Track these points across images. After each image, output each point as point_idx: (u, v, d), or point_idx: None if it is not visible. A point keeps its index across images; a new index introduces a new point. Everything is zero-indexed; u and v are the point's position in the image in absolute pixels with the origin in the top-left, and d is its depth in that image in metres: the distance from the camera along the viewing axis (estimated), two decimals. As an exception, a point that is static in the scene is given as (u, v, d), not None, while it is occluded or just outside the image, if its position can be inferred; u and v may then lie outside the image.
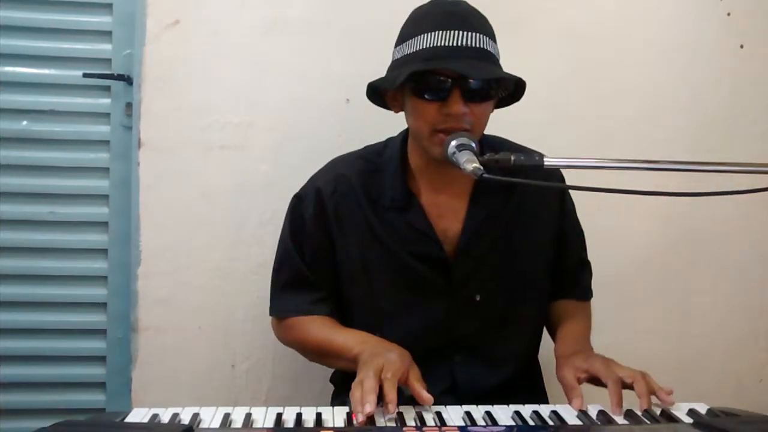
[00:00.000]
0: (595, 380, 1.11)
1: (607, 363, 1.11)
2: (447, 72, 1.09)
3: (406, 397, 1.03)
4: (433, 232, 1.21)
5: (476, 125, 1.13)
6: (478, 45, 1.10)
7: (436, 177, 1.22)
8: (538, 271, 1.29)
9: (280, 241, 1.31)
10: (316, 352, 1.26)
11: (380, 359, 1.04)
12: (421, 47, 1.10)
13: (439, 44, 1.09)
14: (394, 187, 1.23)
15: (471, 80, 1.09)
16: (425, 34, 1.10)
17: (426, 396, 1.01)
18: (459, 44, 1.09)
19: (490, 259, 1.24)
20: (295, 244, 1.27)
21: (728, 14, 1.70)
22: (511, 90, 1.19)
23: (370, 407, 0.94)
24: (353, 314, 1.27)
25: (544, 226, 1.29)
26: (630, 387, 1.05)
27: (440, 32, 1.09)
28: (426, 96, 1.11)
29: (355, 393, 0.99)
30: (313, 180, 1.29)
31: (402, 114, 1.21)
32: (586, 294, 1.38)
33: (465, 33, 1.09)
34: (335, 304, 1.28)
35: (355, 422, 0.95)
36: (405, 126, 1.25)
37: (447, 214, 1.23)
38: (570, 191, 1.34)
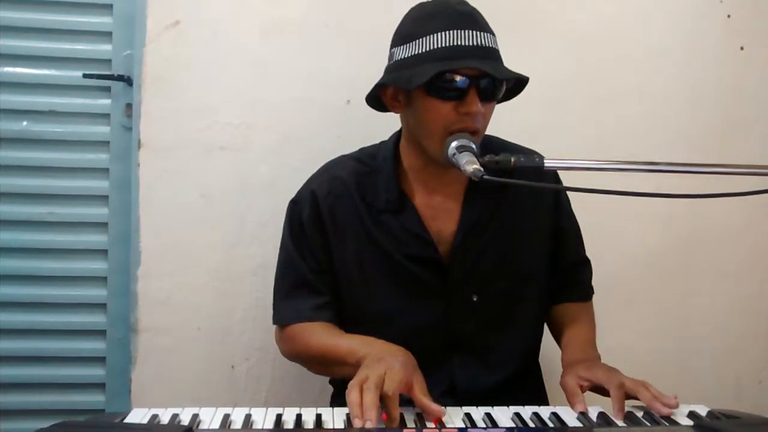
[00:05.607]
0: (599, 389, 1.10)
1: (610, 371, 1.11)
2: (466, 71, 1.08)
3: (405, 399, 1.02)
4: (427, 233, 1.21)
5: (484, 125, 1.14)
6: (490, 45, 1.11)
7: (431, 178, 1.22)
8: (536, 269, 1.28)
9: (281, 247, 1.29)
10: (320, 360, 1.22)
11: (382, 367, 1.01)
12: (436, 46, 1.09)
13: (456, 43, 1.08)
14: (388, 189, 1.22)
15: (485, 80, 1.09)
16: (440, 33, 1.09)
17: (436, 408, 0.98)
18: (475, 44, 1.09)
19: (486, 259, 1.23)
20: (296, 248, 1.25)
21: (728, 16, 1.70)
22: (509, 88, 1.18)
23: (371, 424, 0.91)
24: (351, 316, 1.26)
25: (540, 223, 1.29)
26: (632, 396, 1.05)
27: (456, 31, 1.08)
28: (442, 95, 1.10)
29: (352, 395, 0.96)
30: (308, 183, 1.28)
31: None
32: (587, 294, 1.37)
33: (479, 33, 1.09)
34: (337, 310, 1.26)
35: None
36: (404, 127, 1.25)
37: (441, 215, 1.22)
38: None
